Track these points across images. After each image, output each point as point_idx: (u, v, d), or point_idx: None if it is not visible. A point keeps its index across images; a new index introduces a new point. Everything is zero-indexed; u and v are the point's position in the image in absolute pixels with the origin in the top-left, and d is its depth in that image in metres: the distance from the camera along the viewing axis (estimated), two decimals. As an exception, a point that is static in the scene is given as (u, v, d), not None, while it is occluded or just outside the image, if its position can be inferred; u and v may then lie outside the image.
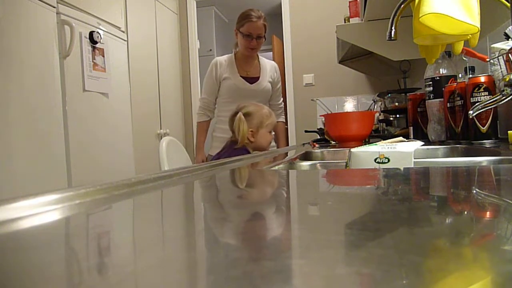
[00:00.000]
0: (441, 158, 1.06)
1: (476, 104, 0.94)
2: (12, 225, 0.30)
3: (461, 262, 0.19)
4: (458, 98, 1.19)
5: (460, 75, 1.34)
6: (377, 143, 0.72)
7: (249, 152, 1.59)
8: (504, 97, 0.88)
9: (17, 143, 1.81)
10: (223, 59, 2.05)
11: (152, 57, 3.32)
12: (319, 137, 2.17)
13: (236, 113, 1.63)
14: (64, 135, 2.11)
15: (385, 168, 0.66)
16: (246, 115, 1.60)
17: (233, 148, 1.59)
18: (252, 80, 2.03)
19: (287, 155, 1.12)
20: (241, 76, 2.00)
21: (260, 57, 2.13)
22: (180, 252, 0.23)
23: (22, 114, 1.84)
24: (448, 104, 1.26)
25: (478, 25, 0.84)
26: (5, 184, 1.71)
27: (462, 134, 1.19)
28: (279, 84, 2.18)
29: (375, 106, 2.39)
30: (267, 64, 2.13)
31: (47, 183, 1.93)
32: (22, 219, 0.31)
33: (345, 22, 2.05)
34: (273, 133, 2.07)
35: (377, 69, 2.86)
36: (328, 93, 3.46)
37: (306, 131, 2.51)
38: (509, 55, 1.01)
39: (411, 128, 1.58)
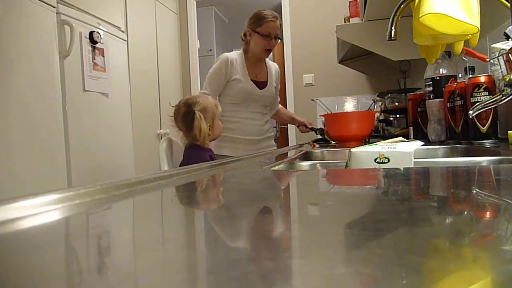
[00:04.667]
0: (441, 158, 1.05)
1: (476, 104, 0.94)
2: (12, 225, 0.30)
3: (461, 262, 0.19)
4: (458, 98, 1.19)
5: (460, 75, 1.33)
6: (377, 143, 0.72)
7: (205, 149, 1.55)
8: (504, 97, 0.88)
9: (17, 143, 1.81)
10: (233, 57, 1.96)
11: (152, 57, 3.32)
12: (316, 134, 2.17)
13: (188, 112, 1.53)
14: (64, 135, 2.11)
15: (385, 168, 0.66)
16: (202, 111, 1.52)
17: (198, 150, 1.54)
18: (261, 85, 2.00)
19: (287, 155, 1.12)
20: (251, 80, 1.96)
21: (265, 59, 2.10)
22: (180, 252, 0.23)
23: (22, 114, 1.84)
24: (448, 104, 1.26)
25: (478, 25, 0.84)
26: (5, 184, 1.71)
27: (462, 134, 1.19)
28: (279, 86, 2.19)
29: (375, 106, 2.39)
30: (272, 67, 2.11)
31: (47, 183, 1.93)
32: (22, 219, 0.31)
33: (345, 22, 2.05)
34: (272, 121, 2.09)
35: (377, 69, 2.87)
36: (328, 93, 3.46)
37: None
38: (509, 55, 1.01)
39: (411, 128, 1.58)
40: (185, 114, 1.54)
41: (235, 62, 1.94)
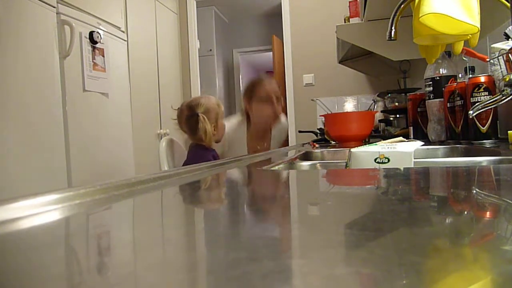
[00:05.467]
0: (441, 158, 1.05)
1: (476, 104, 0.94)
2: (12, 225, 0.30)
3: (461, 262, 0.19)
4: (458, 98, 1.19)
5: (460, 75, 1.33)
6: (377, 143, 0.72)
7: (209, 149, 1.54)
8: (504, 97, 0.88)
9: (17, 143, 1.81)
10: (232, 130, 1.72)
11: (152, 57, 3.32)
12: (316, 137, 2.17)
13: (191, 115, 1.51)
14: (64, 135, 2.11)
15: (385, 168, 0.66)
16: (205, 112, 1.50)
17: (201, 150, 1.53)
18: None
19: (287, 155, 1.12)
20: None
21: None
22: (180, 252, 0.23)
23: (21, 114, 1.84)
24: (448, 104, 1.26)
25: (478, 25, 0.84)
26: (5, 184, 1.71)
27: (462, 134, 1.19)
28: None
29: (375, 106, 2.39)
30: (276, 132, 1.84)
31: (47, 183, 1.93)
32: (22, 219, 0.31)
33: (345, 22, 2.05)
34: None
35: (377, 69, 2.86)
36: (328, 93, 3.46)
37: (300, 131, 2.38)
38: (509, 55, 1.01)
39: (411, 128, 1.58)
40: (189, 117, 1.54)
41: (233, 135, 1.75)
